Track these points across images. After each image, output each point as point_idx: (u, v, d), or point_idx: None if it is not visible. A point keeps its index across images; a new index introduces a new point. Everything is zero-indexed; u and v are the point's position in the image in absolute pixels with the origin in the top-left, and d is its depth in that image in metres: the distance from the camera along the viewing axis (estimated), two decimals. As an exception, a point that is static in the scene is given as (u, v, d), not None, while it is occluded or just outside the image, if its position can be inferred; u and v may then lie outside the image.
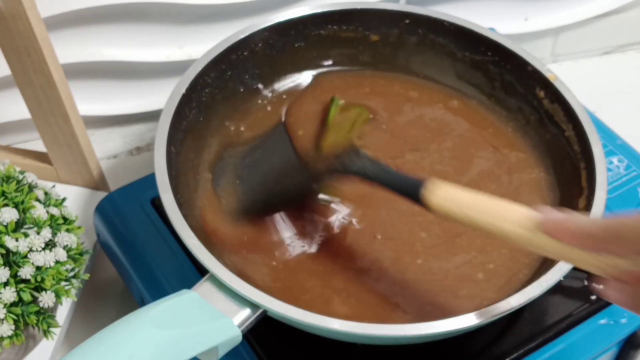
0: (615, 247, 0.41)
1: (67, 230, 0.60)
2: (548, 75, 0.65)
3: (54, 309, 0.63)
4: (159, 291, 0.62)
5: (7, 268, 0.56)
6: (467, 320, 0.51)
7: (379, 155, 0.65)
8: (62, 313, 0.67)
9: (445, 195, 0.51)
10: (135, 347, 0.46)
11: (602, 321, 0.60)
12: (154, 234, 0.66)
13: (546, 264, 0.57)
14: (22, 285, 0.56)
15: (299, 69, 0.72)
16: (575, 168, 0.61)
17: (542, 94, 0.66)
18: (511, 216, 0.47)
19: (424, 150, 0.67)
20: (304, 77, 0.72)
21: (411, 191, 0.52)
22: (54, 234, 0.59)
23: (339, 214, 0.62)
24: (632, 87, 0.95)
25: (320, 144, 0.67)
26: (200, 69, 0.64)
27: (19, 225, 0.58)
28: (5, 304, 0.56)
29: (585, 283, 0.62)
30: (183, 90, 0.63)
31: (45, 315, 0.58)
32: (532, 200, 0.63)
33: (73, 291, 0.60)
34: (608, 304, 0.61)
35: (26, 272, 0.56)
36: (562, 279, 0.53)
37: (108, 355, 0.45)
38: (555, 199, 0.63)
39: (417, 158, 0.67)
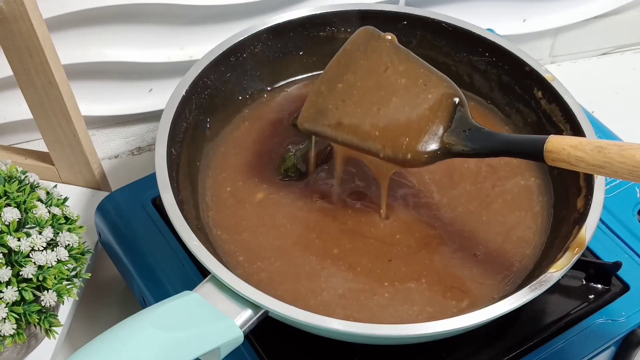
0: None
1: (69, 230, 0.60)
2: (546, 75, 0.65)
3: (55, 308, 0.64)
4: (160, 290, 0.63)
5: (9, 267, 0.56)
6: (466, 320, 0.51)
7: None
8: (64, 312, 0.67)
9: (571, 142, 0.52)
10: (137, 349, 0.46)
11: (600, 320, 0.61)
12: (155, 234, 0.66)
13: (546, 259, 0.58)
14: (24, 285, 0.56)
15: (298, 70, 0.72)
16: (573, 168, 0.62)
17: (540, 94, 0.66)
18: None
19: None
20: (303, 79, 0.73)
21: (533, 150, 0.53)
22: (56, 234, 0.59)
23: None
24: (630, 87, 0.95)
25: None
26: (200, 70, 0.65)
27: (21, 225, 0.58)
28: (7, 303, 0.56)
29: (584, 282, 0.63)
30: (183, 92, 0.63)
31: (47, 314, 0.59)
32: (520, 204, 0.64)
33: (75, 290, 0.60)
34: (606, 302, 0.62)
35: (28, 271, 0.56)
36: (561, 277, 0.53)
37: (111, 357, 0.45)
38: (549, 202, 0.64)
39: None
